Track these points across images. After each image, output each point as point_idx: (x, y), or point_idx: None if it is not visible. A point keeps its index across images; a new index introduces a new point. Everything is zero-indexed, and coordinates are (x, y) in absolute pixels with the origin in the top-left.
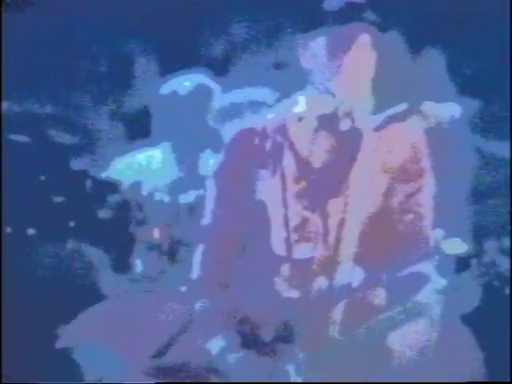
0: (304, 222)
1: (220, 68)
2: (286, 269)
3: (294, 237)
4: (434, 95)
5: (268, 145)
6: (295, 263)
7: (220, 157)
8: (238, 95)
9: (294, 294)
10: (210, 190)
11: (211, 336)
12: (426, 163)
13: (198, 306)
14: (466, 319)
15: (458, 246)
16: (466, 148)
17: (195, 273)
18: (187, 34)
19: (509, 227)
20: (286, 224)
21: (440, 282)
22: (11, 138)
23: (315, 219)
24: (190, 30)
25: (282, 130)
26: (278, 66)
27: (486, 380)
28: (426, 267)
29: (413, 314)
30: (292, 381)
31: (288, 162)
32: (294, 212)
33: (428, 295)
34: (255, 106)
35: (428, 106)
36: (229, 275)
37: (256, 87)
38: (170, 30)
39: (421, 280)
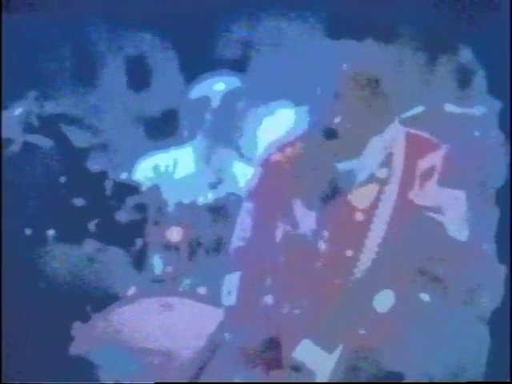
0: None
1: (242, 69)
2: None
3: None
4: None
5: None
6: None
7: (255, 174)
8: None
9: None
10: (247, 213)
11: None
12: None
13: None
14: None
15: None
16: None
17: (231, 299)
18: (208, 35)
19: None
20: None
21: None
22: (30, 141)
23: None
24: (210, 32)
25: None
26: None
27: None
28: None
29: None
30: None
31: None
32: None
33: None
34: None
35: (450, 108)
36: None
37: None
38: (190, 29)
39: None
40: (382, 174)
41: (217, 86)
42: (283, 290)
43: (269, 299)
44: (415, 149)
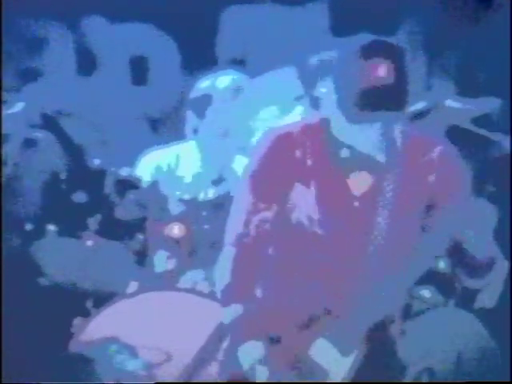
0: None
1: (241, 66)
2: None
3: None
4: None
5: (306, 157)
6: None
7: (251, 159)
8: (265, 91)
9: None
10: (243, 196)
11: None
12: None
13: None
14: None
15: None
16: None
17: (225, 279)
18: (208, 31)
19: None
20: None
21: None
22: (30, 136)
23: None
24: (210, 28)
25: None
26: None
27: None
28: None
29: None
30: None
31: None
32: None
33: None
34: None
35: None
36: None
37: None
38: (192, 25)
39: None
40: (380, 159)
41: (220, 81)
42: (282, 280)
43: (266, 289)
44: (413, 146)
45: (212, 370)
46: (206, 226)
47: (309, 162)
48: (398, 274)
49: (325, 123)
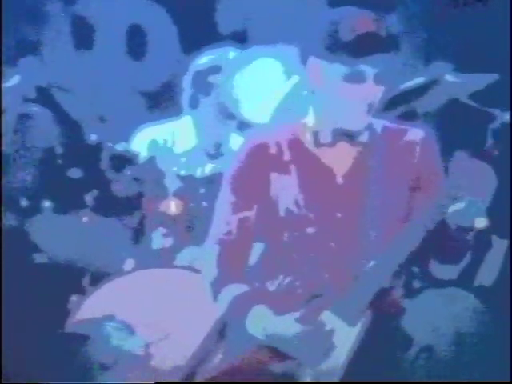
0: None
1: (241, 41)
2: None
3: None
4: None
5: (285, 155)
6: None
7: (231, 165)
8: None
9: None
10: (224, 197)
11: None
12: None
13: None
14: None
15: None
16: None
17: (213, 274)
18: (206, 8)
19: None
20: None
21: None
22: (26, 111)
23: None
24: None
25: (297, 142)
26: None
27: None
28: None
29: None
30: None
31: (306, 171)
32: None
33: None
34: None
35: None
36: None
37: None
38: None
39: None
40: (363, 138)
41: (220, 57)
42: (279, 263)
43: (264, 272)
44: (393, 131)
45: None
46: (203, 203)
47: (285, 158)
48: (390, 249)
49: (303, 128)
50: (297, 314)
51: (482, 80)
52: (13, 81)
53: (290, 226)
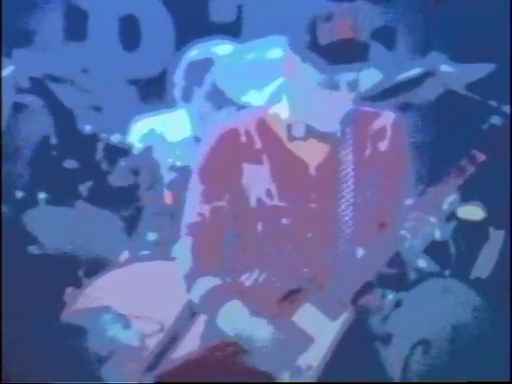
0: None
1: (233, 32)
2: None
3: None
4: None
5: (255, 145)
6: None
7: (199, 154)
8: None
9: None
10: (195, 187)
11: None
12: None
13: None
14: None
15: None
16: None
17: (187, 265)
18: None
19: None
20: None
21: None
22: (20, 101)
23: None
24: None
25: (269, 132)
26: None
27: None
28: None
29: None
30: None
31: (278, 160)
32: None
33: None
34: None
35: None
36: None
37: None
38: None
39: None
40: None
41: (218, 48)
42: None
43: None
44: (365, 116)
45: (187, 345)
46: None
47: (256, 146)
48: (370, 242)
49: (273, 108)
50: (272, 311)
51: (478, 70)
52: (6, 71)
53: (263, 216)
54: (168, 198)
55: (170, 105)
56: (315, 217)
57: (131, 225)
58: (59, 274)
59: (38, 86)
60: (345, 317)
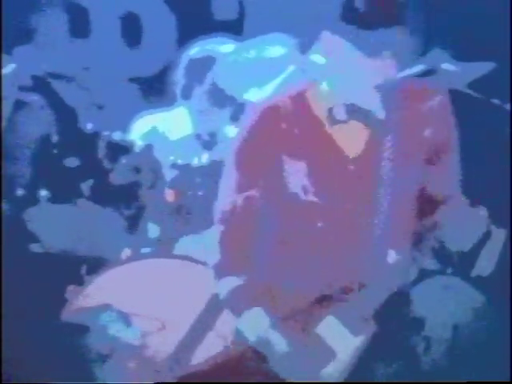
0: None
1: (235, 30)
2: None
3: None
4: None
5: (295, 129)
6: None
7: (237, 135)
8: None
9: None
10: (230, 173)
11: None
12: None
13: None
14: None
15: None
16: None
17: (215, 257)
18: None
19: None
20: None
21: None
22: (22, 99)
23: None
24: None
25: (307, 111)
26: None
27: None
28: None
29: None
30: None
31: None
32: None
33: None
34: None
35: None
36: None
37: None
38: None
39: None
40: (379, 115)
41: (219, 46)
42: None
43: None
44: (411, 95)
45: (210, 342)
46: (199, 192)
47: (296, 131)
48: (407, 241)
49: (314, 88)
50: (295, 320)
51: (480, 68)
52: (7, 69)
53: (296, 213)
54: (169, 195)
55: (172, 103)
56: (349, 219)
57: (133, 223)
58: (60, 272)
59: (40, 84)
60: (367, 332)
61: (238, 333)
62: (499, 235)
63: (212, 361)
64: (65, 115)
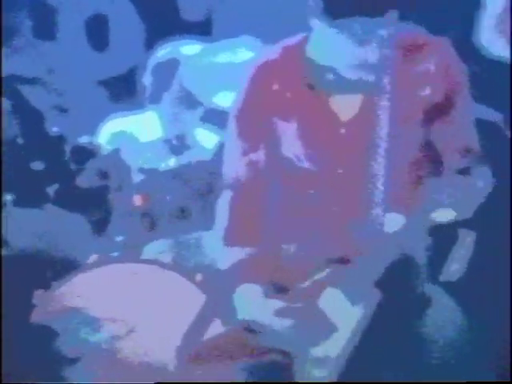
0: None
1: (204, 31)
2: None
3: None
4: None
5: (285, 89)
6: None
7: (234, 97)
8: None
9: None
10: (231, 138)
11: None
12: None
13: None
14: None
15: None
16: None
17: (222, 223)
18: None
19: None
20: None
21: None
22: None
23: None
24: None
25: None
26: None
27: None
28: None
29: None
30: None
31: (311, 112)
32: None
33: None
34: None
35: None
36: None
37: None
38: None
39: None
40: (369, 78)
41: (185, 49)
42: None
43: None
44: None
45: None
46: (167, 197)
47: (288, 94)
48: (411, 204)
49: (305, 42)
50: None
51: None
52: None
53: (293, 179)
54: (137, 200)
55: (141, 105)
56: (343, 185)
57: (100, 226)
58: (27, 276)
59: (5, 86)
60: (367, 303)
61: (233, 310)
62: (468, 239)
63: (210, 342)
64: (30, 118)
